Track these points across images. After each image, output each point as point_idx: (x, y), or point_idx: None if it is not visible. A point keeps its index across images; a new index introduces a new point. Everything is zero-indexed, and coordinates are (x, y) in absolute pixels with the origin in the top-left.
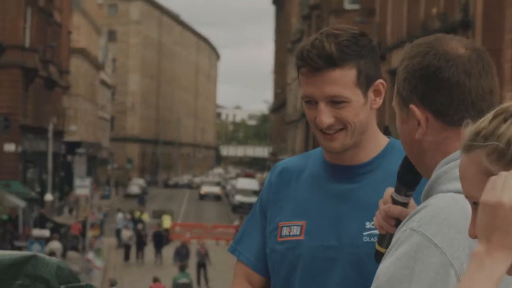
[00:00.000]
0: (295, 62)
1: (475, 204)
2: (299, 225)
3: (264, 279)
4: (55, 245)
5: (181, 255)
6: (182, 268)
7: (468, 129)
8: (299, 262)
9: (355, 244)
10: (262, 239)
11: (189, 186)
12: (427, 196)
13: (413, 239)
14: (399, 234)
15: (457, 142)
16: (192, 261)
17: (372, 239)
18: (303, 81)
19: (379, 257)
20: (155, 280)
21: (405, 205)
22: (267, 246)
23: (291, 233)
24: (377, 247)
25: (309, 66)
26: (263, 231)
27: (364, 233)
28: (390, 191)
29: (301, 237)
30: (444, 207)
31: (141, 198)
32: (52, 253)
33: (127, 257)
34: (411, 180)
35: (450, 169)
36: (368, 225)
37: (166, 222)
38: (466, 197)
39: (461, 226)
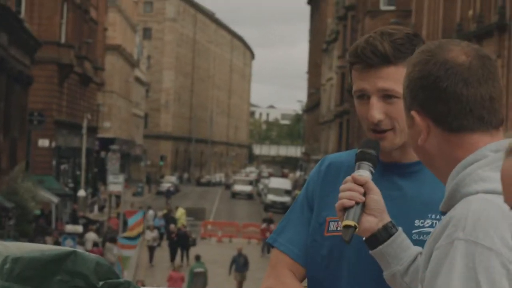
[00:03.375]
0: (347, 60)
1: None
2: None
3: (305, 272)
4: (92, 236)
5: (239, 264)
6: (198, 258)
7: None
8: (346, 257)
9: None
10: (306, 231)
11: (223, 184)
12: (453, 199)
13: (464, 249)
14: (444, 247)
15: (460, 147)
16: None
17: (421, 237)
18: (356, 76)
19: (348, 231)
20: (175, 268)
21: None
22: (311, 239)
23: (338, 229)
24: (347, 222)
25: (363, 62)
26: (308, 223)
27: (413, 231)
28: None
29: None
30: (482, 210)
31: (168, 193)
32: (95, 244)
33: (151, 259)
34: (374, 156)
35: (473, 170)
36: (417, 222)
37: (182, 219)
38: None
39: (504, 225)
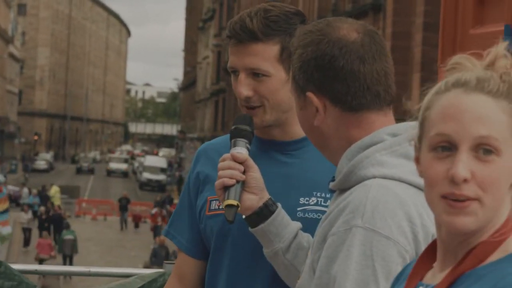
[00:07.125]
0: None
1: (486, 152)
2: None
3: (201, 262)
4: None
5: (160, 257)
6: (68, 227)
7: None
8: (229, 236)
9: None
10: (193, 219)
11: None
12: (348, 180)
13: (362, 237)
14: (341, 233)
15: (357, 127)
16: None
17: (306, 215)
18: (230, 52)
19: (231, 210)
20: (43, 235)
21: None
22: (200, 223)
23: (220, 207)
24: (230, 201)
25: (234, 38)
26: (194, 210)
27: (298, 209)
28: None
29: None
30: (380, 197)
31: (26, 167)
32: None
33: (26, 242)
34: (249, 132)
35: (371, 153)
36: (302, 200)
37: (56, 197)
38: (462, 139)
39: (401, 214)
